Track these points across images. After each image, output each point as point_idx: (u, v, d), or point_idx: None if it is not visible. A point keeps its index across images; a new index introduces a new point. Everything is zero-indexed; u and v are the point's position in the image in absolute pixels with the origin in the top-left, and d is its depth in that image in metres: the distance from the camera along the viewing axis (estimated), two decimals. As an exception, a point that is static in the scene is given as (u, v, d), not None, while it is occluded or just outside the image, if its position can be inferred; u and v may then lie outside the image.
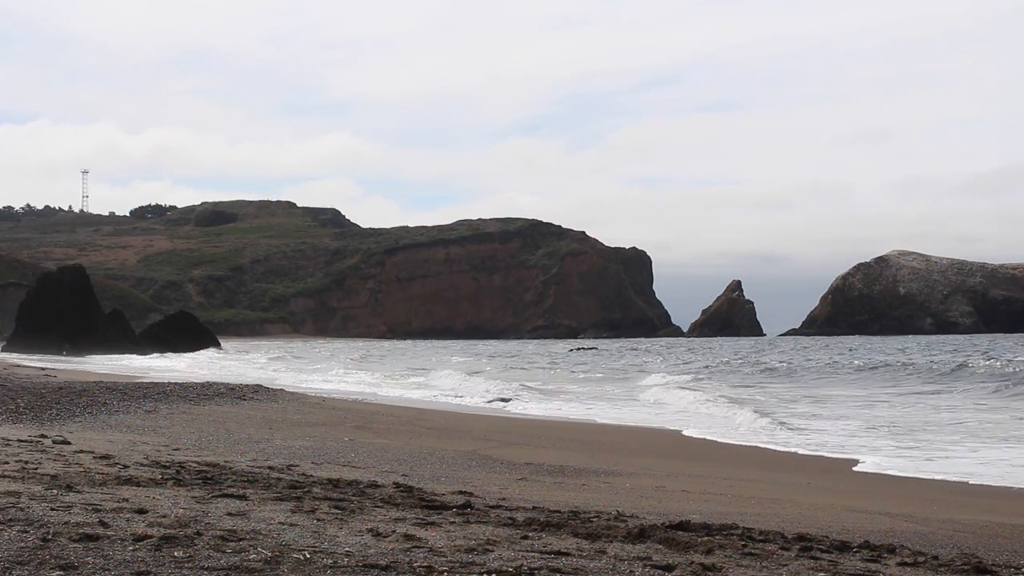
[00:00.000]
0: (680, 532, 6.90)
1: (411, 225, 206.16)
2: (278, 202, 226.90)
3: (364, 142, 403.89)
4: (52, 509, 6.53)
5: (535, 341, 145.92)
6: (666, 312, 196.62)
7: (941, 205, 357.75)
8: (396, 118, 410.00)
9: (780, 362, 49.98)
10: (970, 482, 12.15)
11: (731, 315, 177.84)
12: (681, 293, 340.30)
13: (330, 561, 5.40)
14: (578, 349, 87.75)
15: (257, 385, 28.33)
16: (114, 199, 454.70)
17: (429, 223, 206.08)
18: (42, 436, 12.05)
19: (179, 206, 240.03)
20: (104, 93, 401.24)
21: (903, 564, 6.37)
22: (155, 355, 69.75)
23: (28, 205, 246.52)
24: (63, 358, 60.23)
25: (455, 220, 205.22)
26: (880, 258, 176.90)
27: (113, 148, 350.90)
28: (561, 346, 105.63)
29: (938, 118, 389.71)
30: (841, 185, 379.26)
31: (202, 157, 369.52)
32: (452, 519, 7.06)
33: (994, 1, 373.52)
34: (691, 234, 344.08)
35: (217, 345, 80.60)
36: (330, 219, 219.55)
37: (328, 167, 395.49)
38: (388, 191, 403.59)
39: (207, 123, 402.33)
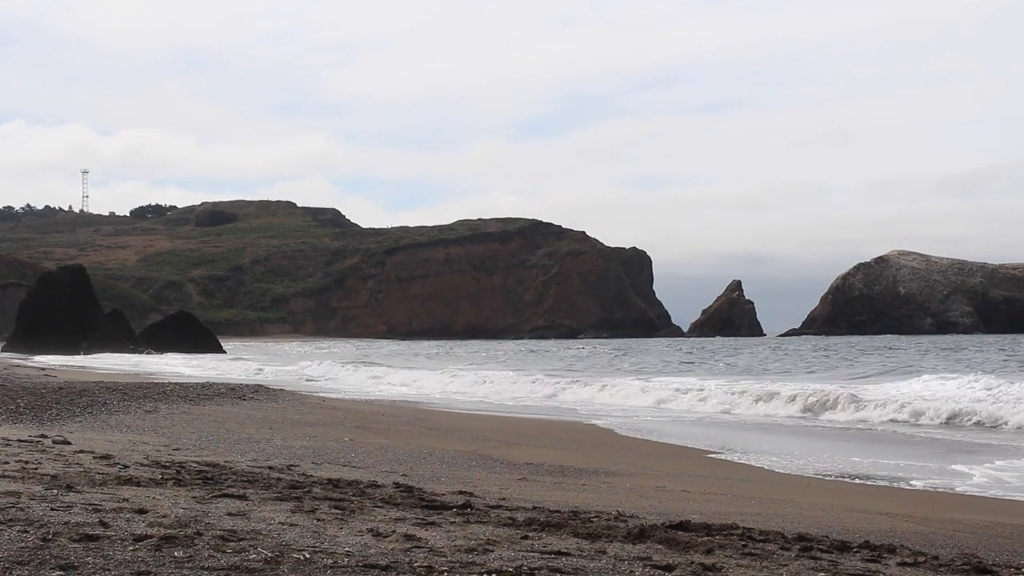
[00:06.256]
0: (680, 532, 6.90)
1: (411, 225, 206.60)
2: (278, 202, 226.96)
3: (360, 142, 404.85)
4: (52, 509, 6.53)
5: (535, 341, 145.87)
6: (666, 312, 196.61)
7: (920, 206, 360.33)
8: (389, 119, 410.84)
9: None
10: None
11: (731, 315, 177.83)
12: (671, 293, 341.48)
13: (330, 561, 5.40)
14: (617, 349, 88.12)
15: (257, 385, 28.34)
16: (98, 199, 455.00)
17: (425, 223, 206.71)
18: (42, 436, 12.05)
19: (169, 207, 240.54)
20: (91, 93, 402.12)
21: (903, 564, 6.37)
22: (155, 355, 69.77)
23: (28, 205, 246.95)
24: (63, 358, 60.20)
25: (454, 220, 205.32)
26: (880, 258, 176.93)
27: (94, 148, 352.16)
28: (553, 346, 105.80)
29: (914, 120, 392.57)
30: (826, 185, 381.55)
31: (193, 157, 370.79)
32: (452, 519, 7.05)
33: (981, 5, 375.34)
34: (678, 234, 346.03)
35: (220, 349, 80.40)
36: (330, 219, 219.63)
37: (323, 167, 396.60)
38: (380, 191, 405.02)
39: (199, 124, 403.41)
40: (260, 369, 46.81)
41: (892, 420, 20.46)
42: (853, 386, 25.92)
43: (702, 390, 26.28)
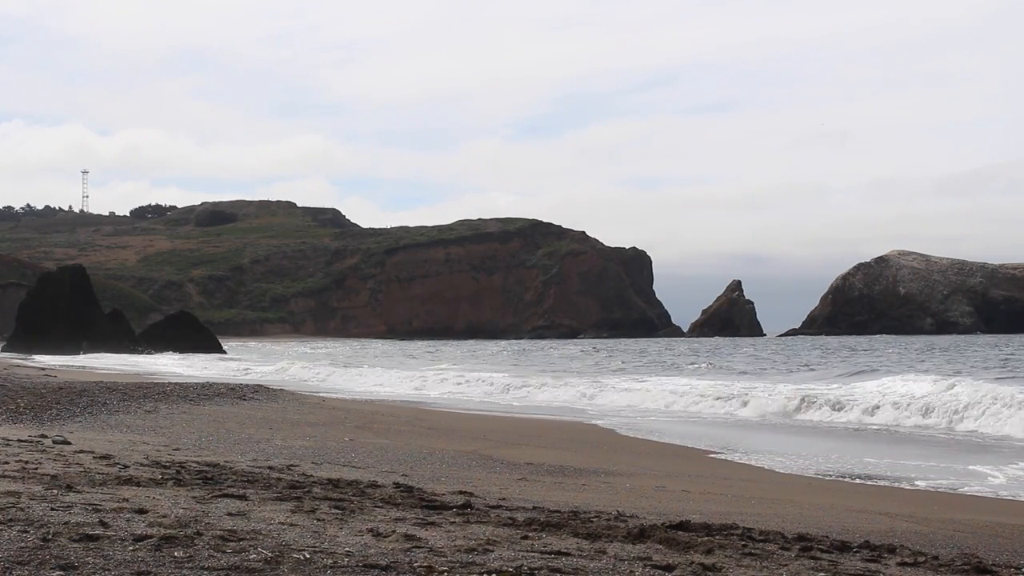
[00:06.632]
0: (680, 532, 6.89)
1: (411, 225, 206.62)
2: (278, 202, 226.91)
3: (359, 142, 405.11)
4: (52, 509, 6.53)
5: (536, 341, 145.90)
6: (666, 312, 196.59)
7: (919, 206, 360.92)
8: (389, 119, 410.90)
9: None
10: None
11: (731, 315, 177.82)
12: (671, 293, 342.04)
13: (330, 561, 5.39)
14: (597, 349, 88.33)
15: (257, 385, 28.33)
16: (98, 199, 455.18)
17: (424, 223, 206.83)
18: (42, 436, 12.04)
19: (169, 207, 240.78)
20: (90, 93, 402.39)
21: (903, 564, 6.37)
22: (148, 355, 69.84)
23: (28, 205, 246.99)
24: (63, 358, 60.26)
25: (454, 220, 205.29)
26: (880, 258, 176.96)
27: (93, 148, 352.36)
28: (549, 345, 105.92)
29: (914, 120, 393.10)
30: (825, 185, 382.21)
31: (192, 157, 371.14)
32: (452, 519, 7.05)
33: (981, 5, 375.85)
34: (677, 234, 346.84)
35: (220, 349, 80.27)
36: (330, 219, 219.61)
37: (322, 167, 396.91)
38: (379, 191, 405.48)
39: (198, 124, 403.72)
40: (247, 369, 47.44)
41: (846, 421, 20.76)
42: (819, 386, 26.37)
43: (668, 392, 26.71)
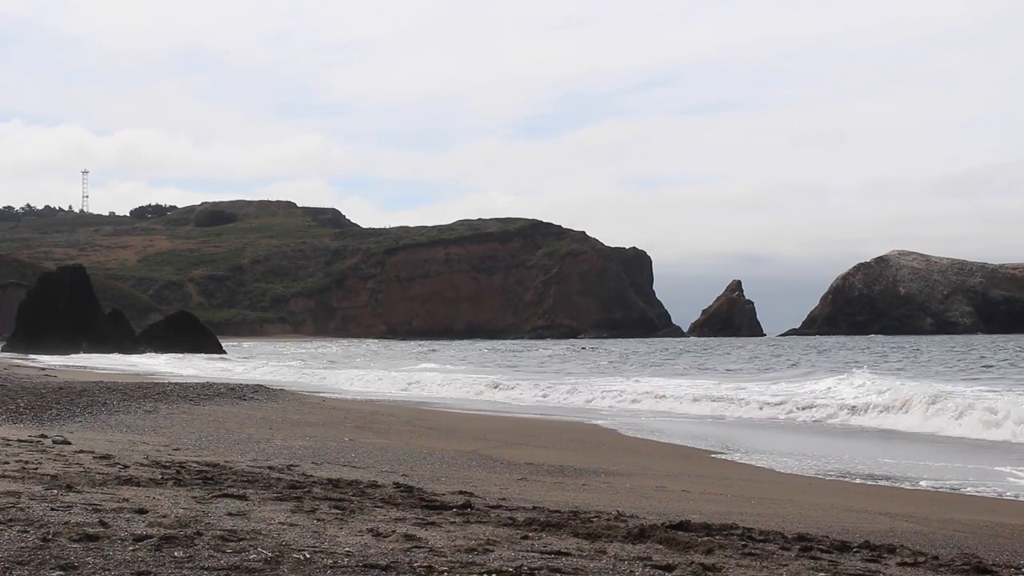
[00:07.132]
0: (680, 532, 6.89)
1: (411, 225, 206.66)
2: (278, 202, 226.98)
3: (358, 142, 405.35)
4: (52, 509, 6.52)
5: (535, 341, 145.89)
6: (666, 312, 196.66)
7: (918, 206, 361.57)
8: (388, 119, 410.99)
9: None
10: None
11: (731, 315, 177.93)
12: (671, 293, 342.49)
13: (330, 561, 5.39)
14: (584, 348, 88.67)
15: (257, 385, 28.31)
16: (96, 199, 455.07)
17: (422, 223, 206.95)
18: (42, 436, 12.04)
19: (169, 207, 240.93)
20: (88, 93, 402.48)
21: (903, 564, 6.36)
22: (155, 355, 69.80)
23: (28, 205, 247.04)
24: (63, 358, 60.27)
25: (454, 220, 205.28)
26: (880, 258, 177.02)
27: (91, 148, 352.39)
28: (544, 345, 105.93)
29: (913, 120, 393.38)
30: (824, 185, 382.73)
31: (190, 157, 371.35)
32: (452, 519, 7.05)
33: (981, 5, 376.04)
34: (677, 234, 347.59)
35: (220, 349, 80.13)
36: (330, 219, 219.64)
37: (321, 167, 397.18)
38: (378, 191, 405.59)
39: (196, 124, 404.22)
40: (228, 368, 48.14)
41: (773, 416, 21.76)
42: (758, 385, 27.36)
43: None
